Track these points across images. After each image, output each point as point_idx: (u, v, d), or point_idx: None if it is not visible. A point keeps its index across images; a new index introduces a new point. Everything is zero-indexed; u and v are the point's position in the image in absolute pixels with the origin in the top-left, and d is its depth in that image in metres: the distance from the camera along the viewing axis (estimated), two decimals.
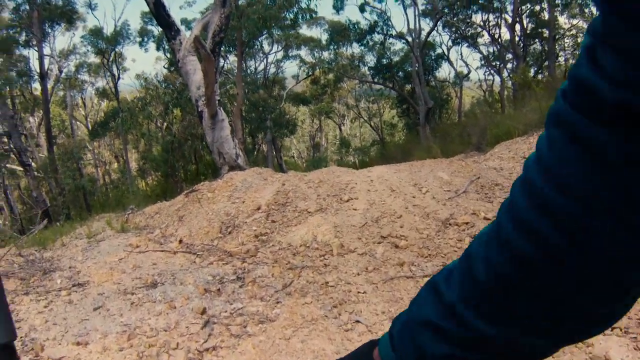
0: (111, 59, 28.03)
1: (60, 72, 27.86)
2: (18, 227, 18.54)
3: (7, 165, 26.95)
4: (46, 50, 25.37)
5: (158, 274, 5.06)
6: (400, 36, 26.87)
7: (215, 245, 5.94)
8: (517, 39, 25.07)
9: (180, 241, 6.50)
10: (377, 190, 6.10)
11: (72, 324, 4.11)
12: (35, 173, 21.39)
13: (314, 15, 21.92)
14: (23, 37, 24.78)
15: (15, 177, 28.90)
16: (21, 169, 22.52)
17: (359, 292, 4.02)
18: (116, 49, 27.94)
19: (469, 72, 31.50)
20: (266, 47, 27.66)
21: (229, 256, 5.45)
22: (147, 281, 4.90)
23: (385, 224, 5.12)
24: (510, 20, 24.95)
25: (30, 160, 23.16)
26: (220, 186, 8.08)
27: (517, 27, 25.04)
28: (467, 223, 4.81)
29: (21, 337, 4.03)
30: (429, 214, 5.24)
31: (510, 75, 22.02)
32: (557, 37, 24.81)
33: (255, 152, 28.18)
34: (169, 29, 11.74)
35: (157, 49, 27.04)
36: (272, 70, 30.01)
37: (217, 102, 11.02)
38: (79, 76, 29.47)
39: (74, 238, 8.44)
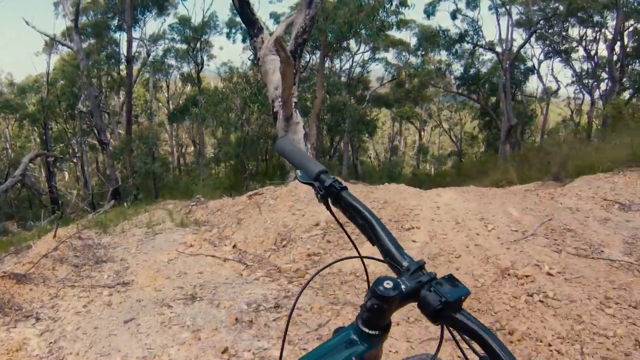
0: (197, 47, 28.66)
1: (148, 55, 28.92)
2: (89, 201, 19.16)
3: (88, 139, 28.20)
4: (137, 35, 26.27)
5: (200, 286, 4.97)
6: (490, 47, 26.27)
7: (267, 257, 5.82)
8: (615, 57, 23.73)
9: (234, 246, 6.42)
10: (441, 221, 5.80)
11: (99, 337, 4.04)
12: (111, 149, 22.11)
13: (402, 18, 21.57)
14: (115, 22, 25.89)
15: (95, 150, 30.19)
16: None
17: (389, 351, 3.65)
18: (202, 38, 28.56)
19: (558, 88, 30.49)
20: (353, 46, 27.45)
21: (278, 272, 5.31)
22: (187, 292, 4.82)
23: (441, 263, 4.82)
24: (610, 36, 23.69)
25: (109, 137, 24.03)
26: (283, 194, 7.95)
27: (617, 45, 23.69)
28: (527, 276, 4.39)
29: (50, 344, 4.01)
30: (489, 257, 4.88)
31: (605, 105, 20.83)
32: None
33: (332, 152, 28.21)
34: (252, 27, 11.76)
35: (243, 40, 27.58)
36: (358, 70, 29.87)
37: (293, 104, 10.92)
38: (165, 60, 30.41)
39: (134, 225, 8.56)
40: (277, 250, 5.92)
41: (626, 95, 24.41)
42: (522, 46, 25.36)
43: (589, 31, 25.50)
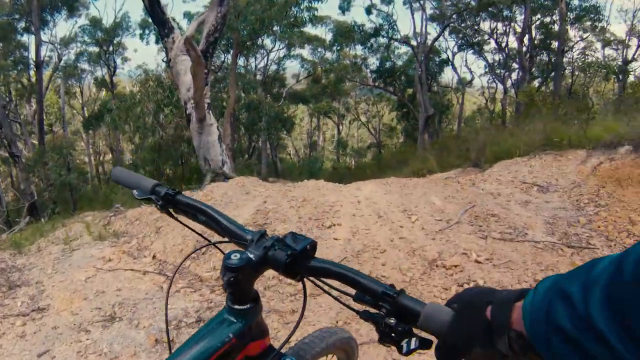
0: (109, 50, 27.56)
1: (60, 59, 27.39)
2: (4, 219, 18.10)
3: (0, 152, 26.56)
4: (46, 38, 24.85)
5: (119, 304, 4.67)
6: (405, 41, 26.73)
7: (187, 266, 5.54)
8: (524, 49, 24.67)
9: (154, 257, 6.13)
10: (362, 216, 5.68)
11: None
12: (24, 161, 20.86)
13: (315, 13, 21.40)
14: (22, 24, 24.38)
15: (8, 164, 28.49)
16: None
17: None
18: (115, 40, 27.47)
19: (473, 78, 31.27)
20: (268, 44, 27.22)
21: (199, 281, 5.08)
22: (106, 313, 4.51)
23: (366, 260, 4.69)
24: (519, 29, 24.58)
25: (23, 149, 22.69)
26: (200, 198, 7.66)
27: (526, 37, 24.65)
28: (456, 266, 4.36)
29: None
30: (415, 250, 4.80)
31: (517, 93, 21.58)
32: (565, 50, 24.32)
33: (251, 151, 27.90)
34: (163, 27, 11.39)
35: (157, 42, 26.69)
36: (273, 67, 29.65)
37: (206, 105, 10.60)
38: (78, 64, 28.98)
39: (50, 242, 8.08)
40: (196, 259, 5.66)
41: (536, 83, 25.49)
42: (436, 39, 26.02)
43: (500, 25, 26.44)
